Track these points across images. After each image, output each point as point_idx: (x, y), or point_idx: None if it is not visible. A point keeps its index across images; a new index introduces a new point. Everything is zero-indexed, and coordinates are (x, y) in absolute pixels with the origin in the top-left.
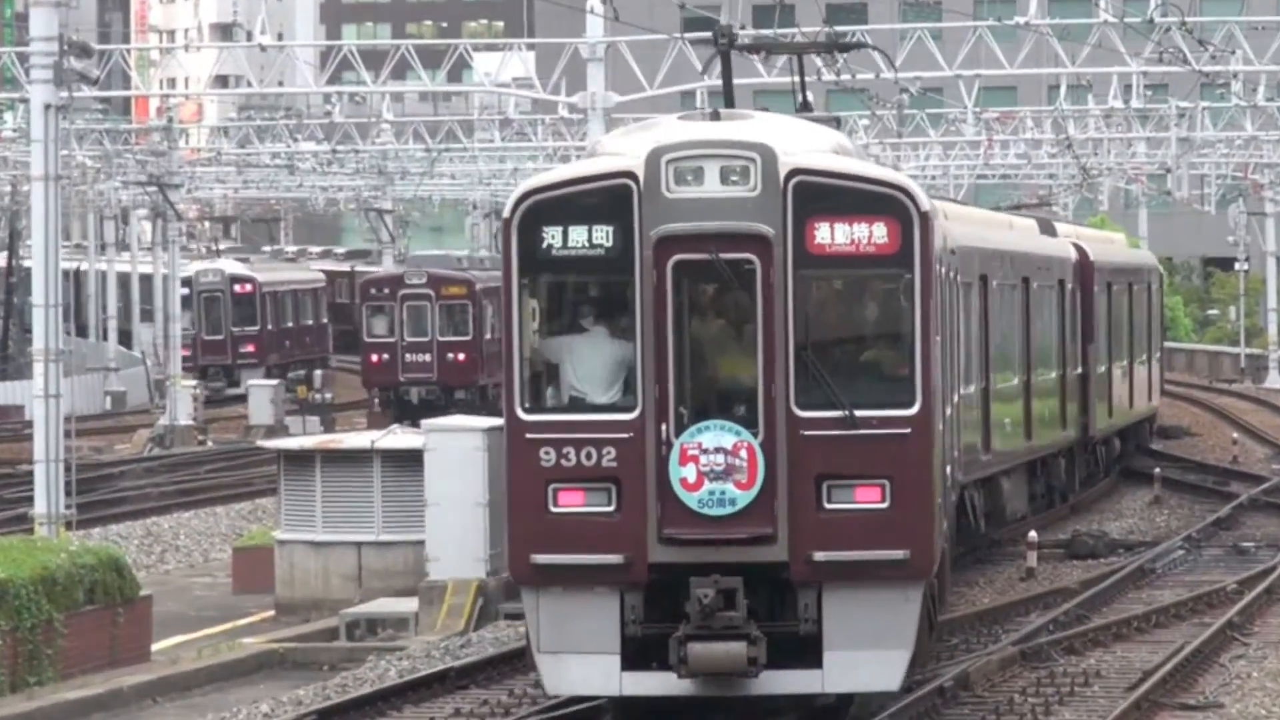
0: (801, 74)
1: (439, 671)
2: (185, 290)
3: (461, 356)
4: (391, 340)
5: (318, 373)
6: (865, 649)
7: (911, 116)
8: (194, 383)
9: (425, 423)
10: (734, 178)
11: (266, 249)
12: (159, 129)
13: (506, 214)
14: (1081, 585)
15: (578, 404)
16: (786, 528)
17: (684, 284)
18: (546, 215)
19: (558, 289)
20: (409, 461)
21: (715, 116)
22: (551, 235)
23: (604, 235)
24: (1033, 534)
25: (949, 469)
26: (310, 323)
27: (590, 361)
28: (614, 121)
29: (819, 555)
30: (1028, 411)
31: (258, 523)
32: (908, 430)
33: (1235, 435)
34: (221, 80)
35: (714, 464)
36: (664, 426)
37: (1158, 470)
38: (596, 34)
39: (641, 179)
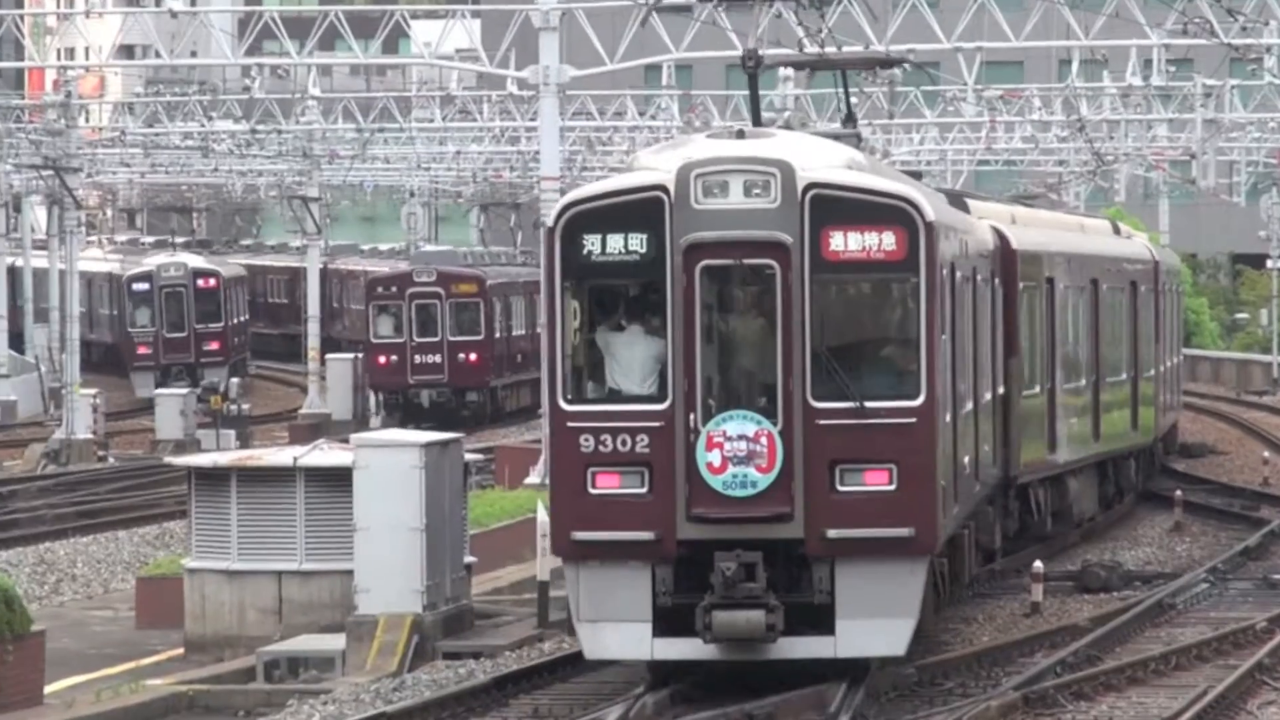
0: (846, 89)
1: (369, 718)
2: (145, 285)
3: (473, 357)
4: (400, 340)
5: (233, 381)
6: (874, 618)
7: (905, 94)
8: (94, 391)
9: (355, 437)
10: (756, 191)
11: (178, 240)
12: (55, 105)
13: (550, 223)
14: (1092, 622)
15: (614, 395)
16: (802, 507)
17: (711, 287)
18: (586, 224)
19: (596, 291)
20: (337, 481)
21: (740, 135)
22: (591, 242)
23: (639, 242)
24: (1038, 564)
25: (966, 459)
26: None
27: (625, 357)
28: (569, 99)
29: (832, 532)
30: (1096, 414)
31: (165, 549)
32: (913, 420)
33: (1266, 454)
34: (127, 50)
35: (737, 450)
36: (692, 416)
37: (1178, 493)
38: (549, 0)
39: (672, 192)
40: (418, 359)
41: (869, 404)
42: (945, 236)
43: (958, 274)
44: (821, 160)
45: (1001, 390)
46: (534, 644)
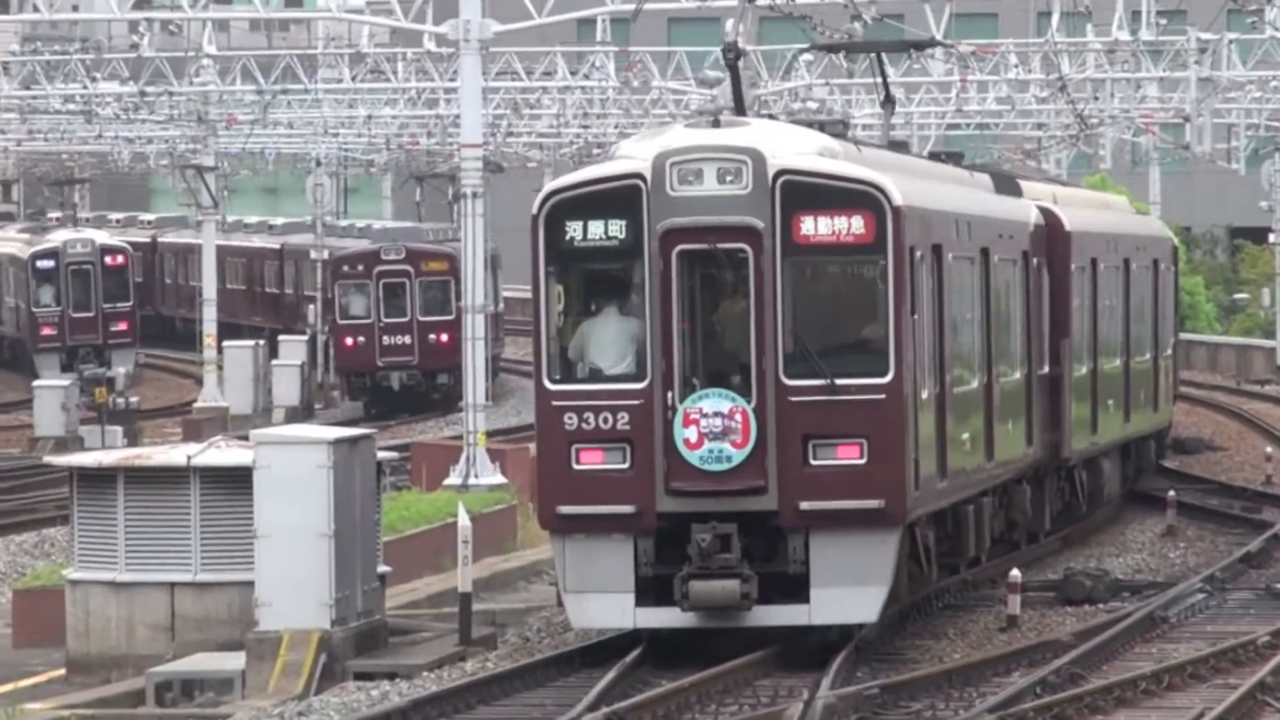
0: (883, 71)
1: None
2: (50, 263)
3: (444, 338)
4: (368, 321)
5: (120, 370)
6: (847, 586)
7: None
8: None
9: (255, 434)
10: (729, 178)
11: (55, 215)
12: None
13: (535, 210)
14: (1076, 637)
15: (596, 375)
16: (776, 481)
17: (686, 270)
18: (568, 211)
19: (578, 275)
20: (236, 482)
21: (716, 123)
22: (573, 229)
23: (618, 228)
24: (1015, 573)
25: (965, 436)
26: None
27: (606, 338)
28: (492, 57)
29: (805, 504)
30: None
31: (45, 559)
32: (883, 396)
33: (1269, 450)
34: (1, 4)
35: (713, 426)
36: (669, 394)
37: (1171, 493)
38: None
39: (649, 179)
40: (386, 340)
41: (839, 381)
42: (924, 220)
43: (948, 255)
44: (793, 148)
45: (1046, 370)
46: (455, 663)
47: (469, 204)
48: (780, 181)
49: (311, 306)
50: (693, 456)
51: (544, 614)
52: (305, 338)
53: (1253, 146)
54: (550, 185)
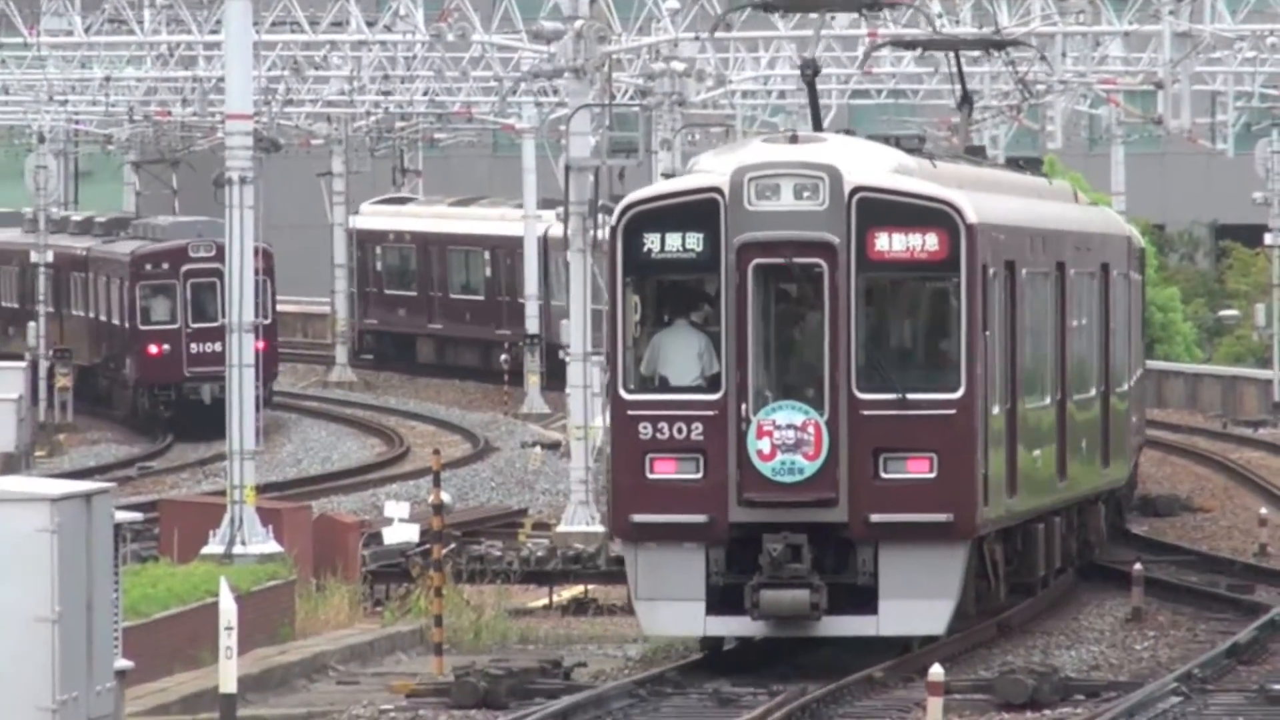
0: (960, 70)
1: None
2: None
3: (260, 344)
4: (174, 327)
5: None
6: (915, 598)
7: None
8: None
9: None
10: (806, 193)
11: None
12: None
13: (613, 222)
14: None
15: (671, 386)
16: (847, 493)
17: (762, 284)
18: (646, 223)
19: (655, 287)
20: None
21: (794, 139)
22: (650, 241)
23: (695, 241)
24: (936, 670)
25: (1036, 454)
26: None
27: (681, 349)
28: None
29: (875, 517)
30: None
31: None
32: (954, 411)
33: (1264, 511)
34: None
35: (785, 438)
36: (744, 406)
37: (1138, 567)
38: None
39: (727, 193)
40: (194, 348)
41: (911, 395)
42: (999, 236)
43: (1022, 271)
44: (869, 165)
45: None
46: None
47: (235, 192)
48: (856, 198)
49: (32, 325)
50: (765, 468)
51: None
52: (24, 364)
53: (1243, 121)
54: (629, 197)
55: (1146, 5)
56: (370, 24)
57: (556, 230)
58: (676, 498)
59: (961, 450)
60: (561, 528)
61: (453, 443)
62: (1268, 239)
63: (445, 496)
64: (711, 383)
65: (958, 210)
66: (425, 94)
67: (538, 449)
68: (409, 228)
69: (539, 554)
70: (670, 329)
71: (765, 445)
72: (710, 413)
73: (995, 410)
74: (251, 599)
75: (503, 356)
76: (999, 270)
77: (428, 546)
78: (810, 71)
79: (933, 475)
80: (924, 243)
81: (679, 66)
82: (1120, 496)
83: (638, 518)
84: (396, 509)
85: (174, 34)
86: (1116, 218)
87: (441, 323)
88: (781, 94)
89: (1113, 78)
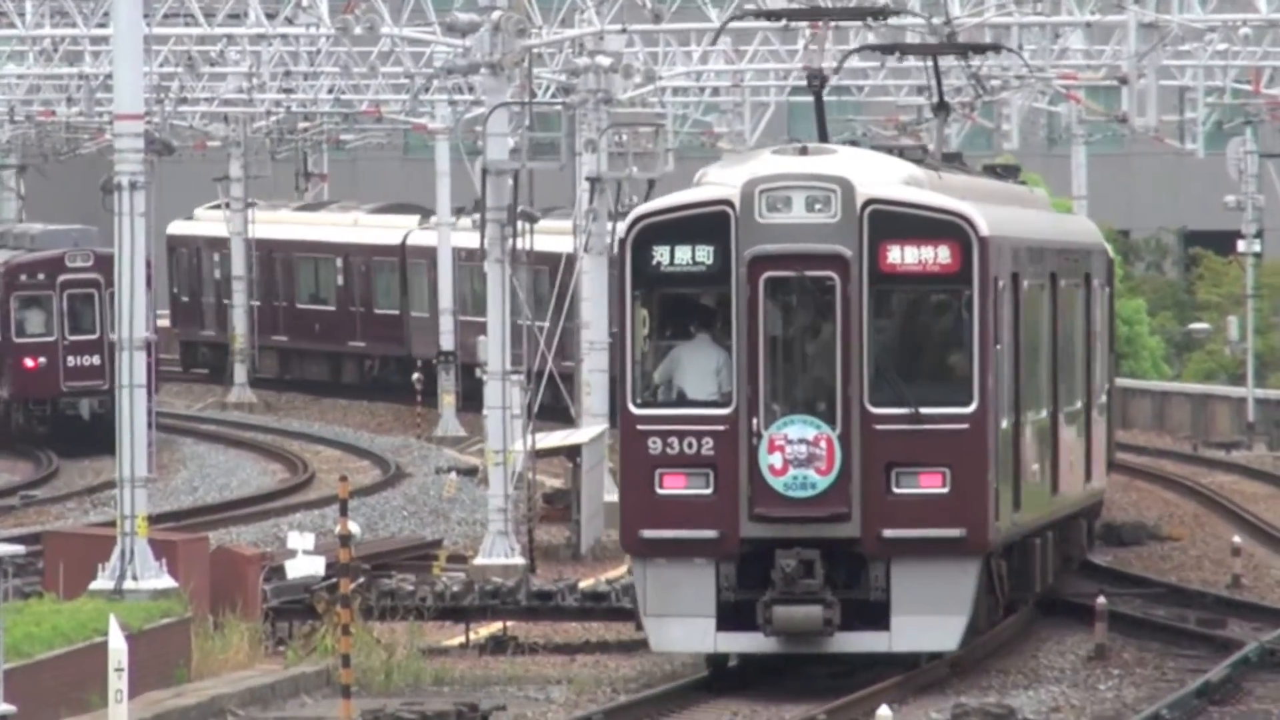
0: (938, 74)
1: None
2: None
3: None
4: (50, 340)
5: None
6: (928, 614)
7: None
8: None
9: None
10: (817, 206)
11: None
12: None
13: (622, 234)
14: None
15: (681, 400)
16: (860, 508)
17: (773, 297)
18: (656, 236)
19: (664, 300)
20: None
21: (804, 151)
22: (660, 253)
23: (705, 254)
24: (884, 712)
25: (1035, 468)
26: None
27: (692, 363)
28: None
29: (888, 532)
30: None
31: None
32: (966, 426)
33: (1237, 540)
34: None
35: (798, 453)
36: (755, 420)
37: (1101, 600)
38: None
39: (738, 206)
40: (71, 361)
41: (924, 410)
42: (1006, 248)
43: (1024, 284)
44: (880, 177)
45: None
46: None
47: (125, 198)
48: (868, 210)
49: None
50: (777, 483)
51: None
52: None
53: (1214, 119)
54: (638, 210)
55: None
56: (270, 16)
57: (418, 238)
58: (686, 513)
59: (974, 465)
60: (479, 560)
61: (361, 468)
62: (1241, 246)
63: (353, 527)
64: (722, 397)
65: (970, 222)
66: (330, 92)
67: (453, 475)
68: (251, 233)
69: (454, 588)
70: (680, 342)
71: (777, 460)
72: (721, 427)
73: (1004, 424)
74: (144, 638)
75: (415, 375)
76: (1007, 283)
77: (334, 580)
78: (818, 83)
79: (945, 490)
80: (936, 255)
81: (605, 61)
82: (1092, 515)
83: (647, 533)
84: (300, 540)
85: (58, 27)
86: (1094, 227)
87: (288, 335)
88: (715, 90)
89: (1073, 72)
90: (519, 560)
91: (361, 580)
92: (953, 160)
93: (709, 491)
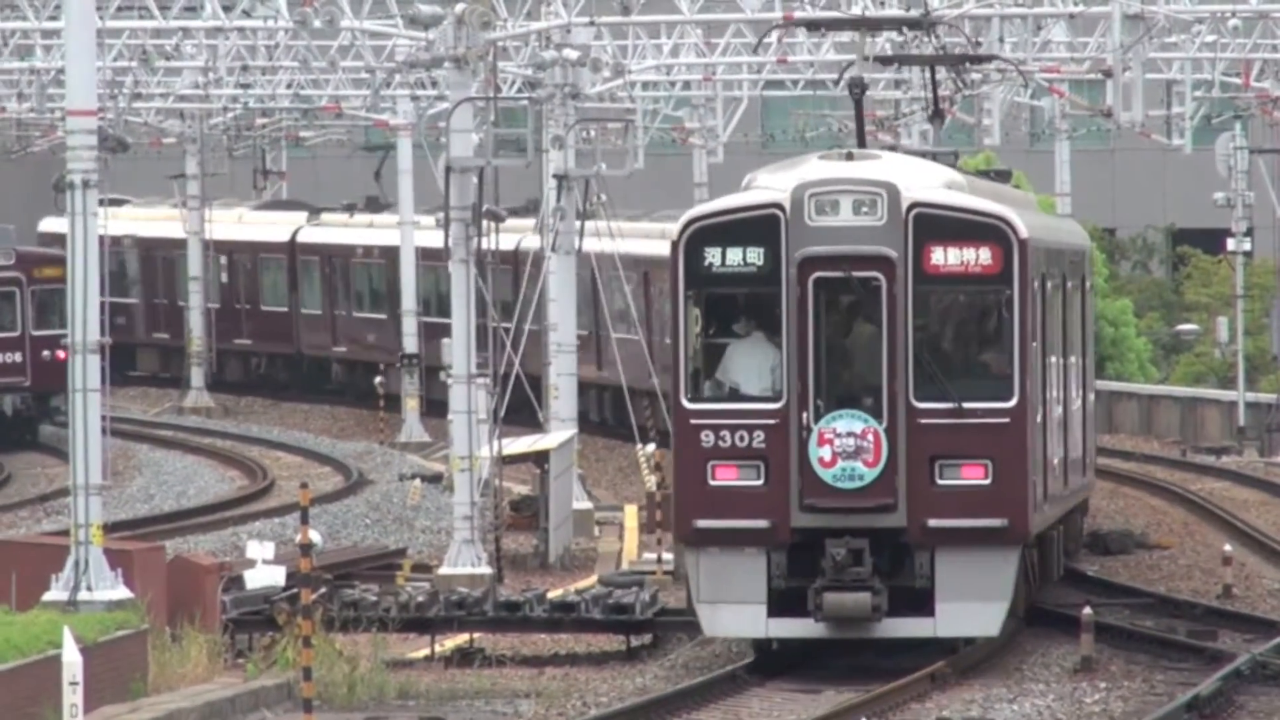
0: (934, 87)
1: None
2: None
3: (62, 354)
4: None
5: None
6: (971, 601)
7: None
8: None
9: None
10: (864, 209)
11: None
12: None
13: (675, 237)
14: None
15: (733, 395)
16: (905, 499)
17: (822, 296)
18: (708, 238)
19: (716, 299)
20: None
21: (849, 157)
22: (712, 255)
23: (756, 255)
24: None
25: (1055, 461)
26: None
27: (743, 359)
28: None
29: (932, 522)
30: None
31: None
32: (1007, 420)
33: (1228, 548)
34: None
35: (846, 446)
36: (805, 414)
37: (1087, 610)
38: None
39: (788, 209)
40: None
41: (966, 404)
42: (1039, 250)
43: (1049, 283)
44: (923, 181)
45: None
46: None
47: (78, 197)
48: (913, 213)
49: None
50: (826, 475)
51: None
52: None
53: (1202, 114)
54: (690, 213)
55: None
56: (227, 9)
57: (307, 234)
58: (738, 503)
59: (1015, 457)
60: (444, 570)
61: (322, 475)
62: (1230, 245)
63: (314, 535)
64: (773, 392)
65: (1010, 225)
66: (289, 87)
67: (417, 482)
68: (128, 231)
69: (419, 599)
70: (731, 340)
71: (826, 452)
72: (772, 421)
73: (1038, 418)
74: (99, 651)
75: (378, 379)
76: (1040, 283)
77: (295, 591)
78: (859, 90)
79: (987, 481)
80: (978, 256)
81: (572, 55)
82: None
83: (700, 523)
84: (260, 549)
85: (8, 20)
86: (1079, 227)
87: (169, 333)
88: (686, 85)
89: (1056, 65)
90: (485, 570)
91: (323, 590)
92: (945, 158)
93: (760, 483)
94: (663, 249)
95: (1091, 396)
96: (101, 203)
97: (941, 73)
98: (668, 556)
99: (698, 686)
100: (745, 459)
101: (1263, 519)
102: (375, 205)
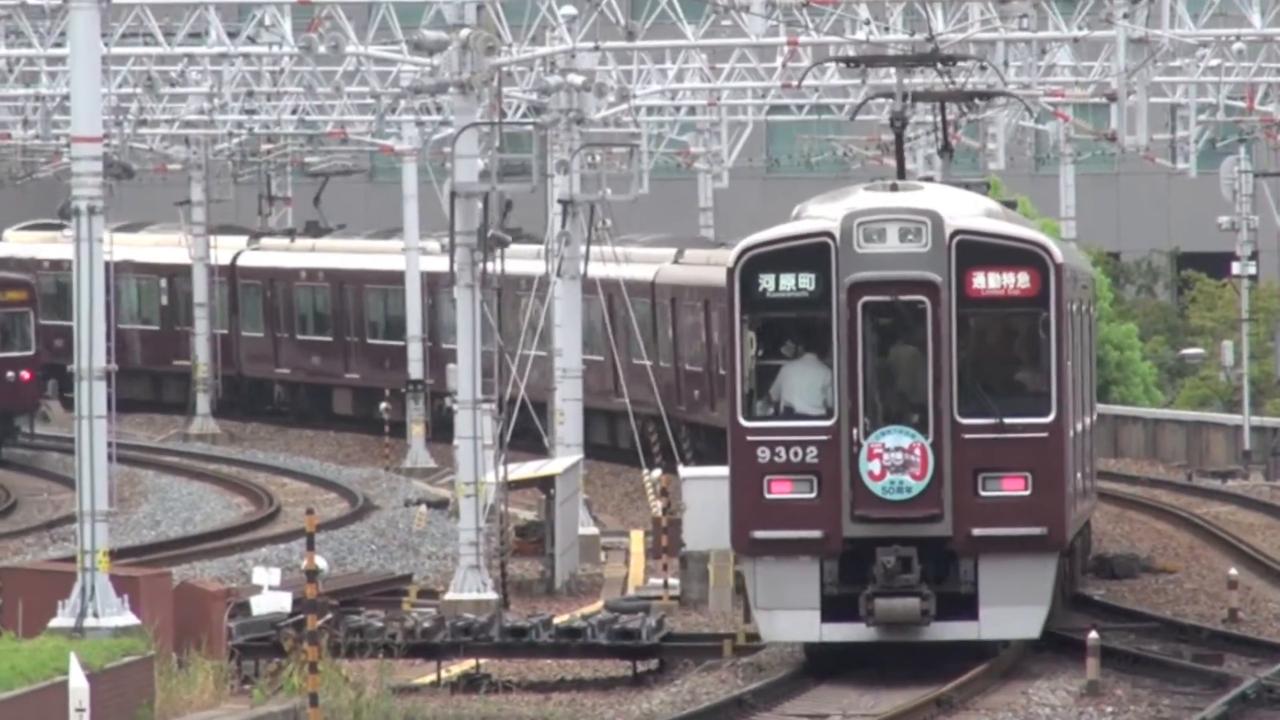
0: (944, 120)
1: None
2: None
3: (25, 375)
4: None
5: None
6: (1012, 605)
7: (655, 2)
8: None
9: None
10: (910, 237)
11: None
12: None
13: (730, 264)
14: None
15: (787, 413)
16: (951, 509)
17: (870, 319)
18: (762, 265)
19: (771, 323)
20: None
21: (894, 188)
22: (766, 281)
23: (808, 281)
24: None
25: (1080, 474)
26: None
27: (796, 380)
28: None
29: (976, 531)
30: None
31: None
32: (1045, 435)
33: (1234, 572)
34: None
35: (894, 460)
36: (855, 430)
37: (1093, 635)
38: None
39: (838, 237)
40: None
41: (1007, 420)
42: (1070, 274)
43: (1071, 306)
44: (964, 210)
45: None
46: None
47: (84, 223)
48: (956, 240)
49: None
50: (876, 487)
51: None
52: None
53: (1206, 137)
54: (745, 242)
55: (1098, 8)
56: (232, 35)
57: (249, 258)
58: (793, 515)
59: (1053, 469)
60: (450, 595)
61: (328, 501)
62: (1235, 268)
63: (320, 561)
64: (825, 410)
65: (1047, 251)
66: (294, 113)
67: (423, 508)
68: (67, 255)
69: (425, 625)
70: (784, 361)
71: (875, 466)
72: (824, 437)
73: (1072, 433)
74: (105, 677)
75: (383, 405)
76: (1070, 305)
77: (301, 617)
78: (900, 124)
79: (1028, 492)
80: (1017, 280)
81: (577, 80)
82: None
83: (758, 534)
84: (266, 576)
85: (13, 47)
86: (1082, 253)
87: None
88: (690, 110)
89: (1061, 89)
90: (491, 595)
91: (329, 616)
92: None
93: (814, 495)
94: (670, 274)
95: (1091, 419)
96: (61, 227)
97: (942, 88)
98: (674, 582)
99: (703, 712)
100: (799, 473)
101: (1268, 543)
102: (315, 230)
